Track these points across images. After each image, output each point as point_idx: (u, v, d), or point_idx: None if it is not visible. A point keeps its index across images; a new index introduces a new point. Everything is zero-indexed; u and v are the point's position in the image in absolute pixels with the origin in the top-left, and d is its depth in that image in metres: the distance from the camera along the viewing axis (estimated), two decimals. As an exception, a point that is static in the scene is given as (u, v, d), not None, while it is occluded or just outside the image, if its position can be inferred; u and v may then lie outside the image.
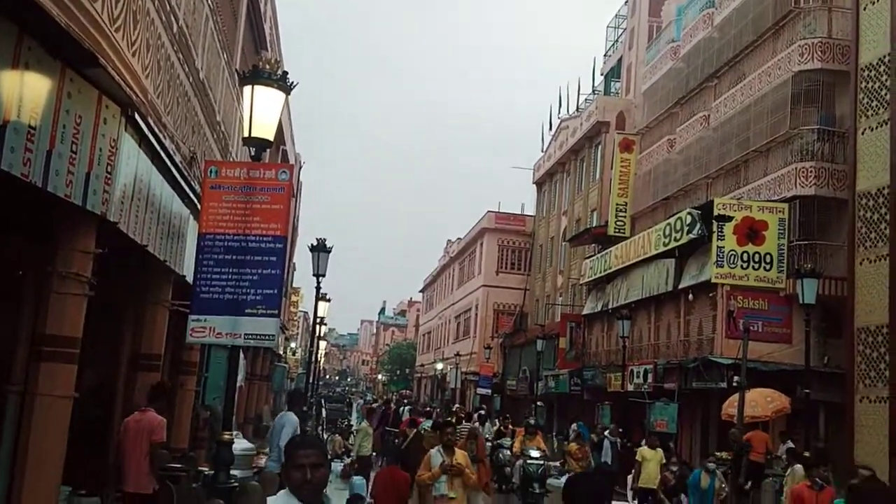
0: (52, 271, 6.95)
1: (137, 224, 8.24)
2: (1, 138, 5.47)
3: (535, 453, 16.33)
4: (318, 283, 19.13)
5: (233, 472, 7.89)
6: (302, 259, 47.33)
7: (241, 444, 9.64)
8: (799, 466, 12.99)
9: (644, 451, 15.50)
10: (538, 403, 34.19)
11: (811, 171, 20.48)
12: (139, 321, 10.24)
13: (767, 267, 20.41)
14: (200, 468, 8.82)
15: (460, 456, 8.79)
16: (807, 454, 15.01)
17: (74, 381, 7.07)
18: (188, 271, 9.63)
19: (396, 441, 20.55)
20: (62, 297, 6.91)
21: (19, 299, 7.51)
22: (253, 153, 8.03)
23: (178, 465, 8.06)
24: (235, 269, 7.56)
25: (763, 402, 17.77)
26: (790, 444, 15.82)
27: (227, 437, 7.49)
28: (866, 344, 17.31)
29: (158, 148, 8.51)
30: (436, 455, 8.68)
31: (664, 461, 15.87)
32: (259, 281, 7.54)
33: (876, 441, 16.44)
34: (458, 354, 50.55)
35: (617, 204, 31.75)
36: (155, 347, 10.01)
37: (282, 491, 3.62)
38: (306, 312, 57.96)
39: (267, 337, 7.58)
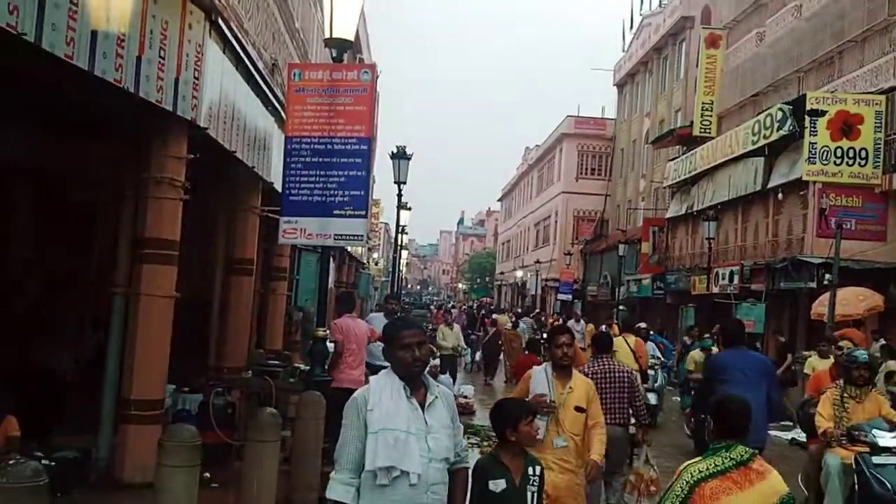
0: (147, 177, 7.19)
1: (226, 130, 8.41)
2: (93, 45, 5.61)
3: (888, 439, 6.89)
4: (400, 190, 19.23)
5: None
6: (380, 172, 47.65)
7: (334, 343, 9.95)
8: (893, 362, 12.73)
9: (814, 360, 12.75)
10: (621, 308, 34.19)
11: (911, 60, 19.32)
12: (231, 228, 10.57)
13: (862, 162, 19.54)
14: (296, 364, 9.17)
15: (580, 387, 5.51)
16: (901, 350, 14.71)
17: (175, 282, 7.39)
18: (275, 178, 9.83)
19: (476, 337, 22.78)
20: (158, 201, 7.17)
21: (119, 205, 7.82)
22: (334, 55, 8.02)
23: (276, 362, 8.40)
24: (322, 171, 7.67)
25: (855, 300, 17.30)
26: (883, 342, 15.41)
27: (320, 333, 7.75)
28: (968, 239, 16.58)
29: (242, 54, 8.61)
30: (539, 375, 5.56)
31: None
32: (346, 182, 7.63)
33: (976, 339, 15.90)
34: (537, 262, 50.60)
35: (703, 103, 30.63)
36: (248, 252, 10.33)
37: (382, 371, 3.73)
38: (387, 224, 58.72)
39: (356, 237, 7.73)
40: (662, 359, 15.32)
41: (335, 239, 7.66)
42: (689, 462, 3.94)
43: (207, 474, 7.43)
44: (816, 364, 12.61)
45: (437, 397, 3.60)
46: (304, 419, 7.03)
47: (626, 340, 11.58)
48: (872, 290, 17.80)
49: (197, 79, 7.28)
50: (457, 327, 18.85)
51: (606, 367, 6.98)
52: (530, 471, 4.08)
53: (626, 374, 7.04)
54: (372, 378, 3.71)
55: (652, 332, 25.58)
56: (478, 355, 22.97)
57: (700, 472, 3.76)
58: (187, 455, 4.83)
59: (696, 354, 14.19)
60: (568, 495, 5.24)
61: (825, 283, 17.74)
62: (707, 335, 17.34)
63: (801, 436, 14.69)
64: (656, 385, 14.36)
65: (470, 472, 3.91)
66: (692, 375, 13.72)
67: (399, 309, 11.34)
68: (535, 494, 4.04)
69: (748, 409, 4.02)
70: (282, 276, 12.70)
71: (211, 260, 11.19)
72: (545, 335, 17.97)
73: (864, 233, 19.68)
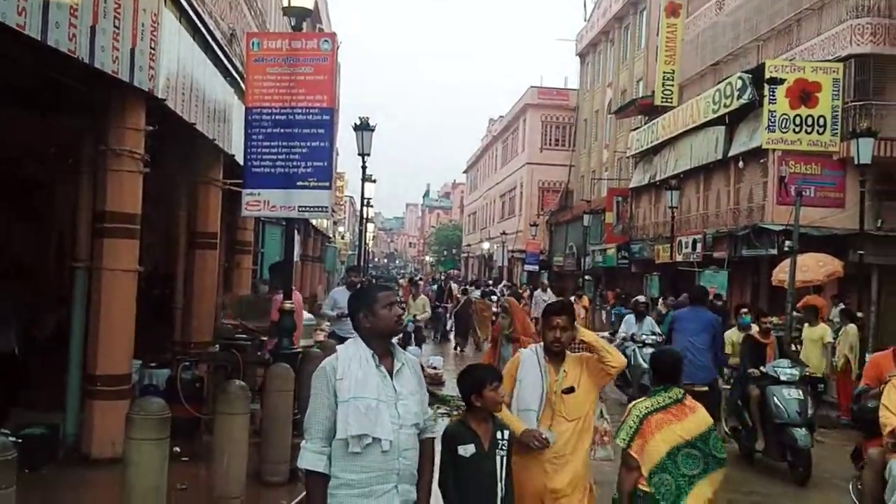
0: (105, 149, 7.07)
1: (184, 102, 8.27)
2: (45, 14, 5.48)
3: None
4: (364, 162, 19.12)
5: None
6: (344, 145, 47.30)
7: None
8: (852, 326, 13.01)
9: (805, 331, 12.49)
10: (586, 277, 34.50)
11: (867, 28, 19.55)
12: (193, 201, 10.45)
13: (821, 130, 19.80)
14: (263, 338, 9.12)
15: (574, 366, 4.59)
16: (860, 314, 15.08)
17: (137, 256, 7.30)
18: (237, 150, 9.72)
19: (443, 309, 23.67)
20: (118, 174, 7.06)
21: (77, 180, 7.68)
22: (293, 24, 7.91)
23: (243, 336, 8.35)
24: (285, 142, 7.60)
25: (815, 266, 17.63)
26: (843, 307, 15.75)
27: (287, 305, 7.71)
28: (923, 204, 16.95)
29: (199, 23, 8.45)
30: (529, 361, 4.63)
31: (832, 341, 12.33)
32: (309, 153, 7.58)
33: (930, 301, 16.33)
34: (503, 233, 50.78)
35: (664, 72, 30.80)
36: (210, 226, 10.22)
37: (348, 340, 3.74)
38: (352, 197, 58.49)
39: (321, 209, 7.68)
40: (663, 335, 13.21)
41: (299, 211, 7.61)
42: (636, 401, 4.73)
43: (177, 448, 7.40)
44: (808, 334, 12.41)
45: (404, 364, 3.63)
46: (273, 391, 7.02)
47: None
48: (832, 256, 18.15)
49: (153, 49, 7.14)
50: (422, 297, 18.95)
51: None
52: (499, 435, 4.13)
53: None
54: (339, 347, 3.72)
55: (617, 304, 26.01)
56: (449, 324, 23.56)
57: (646, 408, 4.55)
58: (156, 428, 4.79)
59: (734, 335, 11.03)
60: (572, 495, 4.46)
61: (786, 249, 18.02)
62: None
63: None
64: None
65: (440, 439, 3.95)
66: (731, 361, 10.67)
67: (364, 281, 11.28)
68: (504, 458, 4.09)
69: (678, 360, 4.82)
70: (246, 250, 12.61)
71: (174, 234, 11.07)
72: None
73: (823, 199, 20.05)
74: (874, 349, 17.02)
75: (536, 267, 43.45)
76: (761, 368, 9.23)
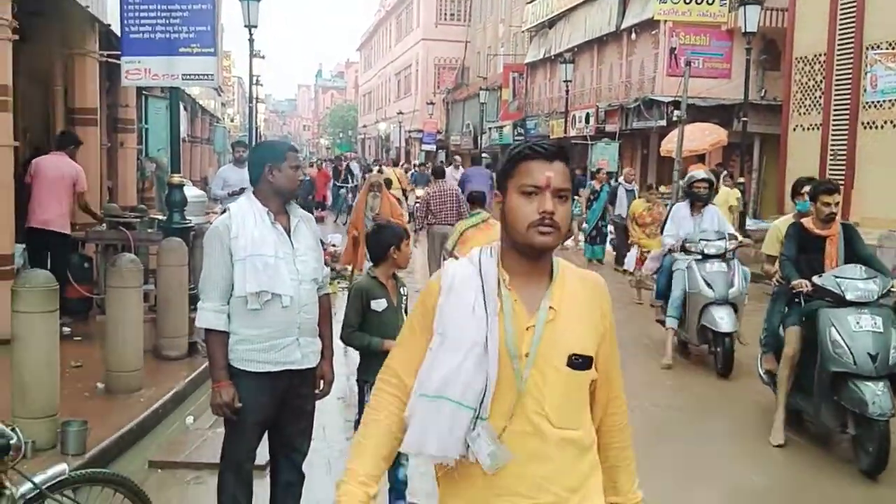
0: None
1: (51, -37, 7.66)
2: None
3: None
4: (251, 34, 18.24)
5: (187, 217, 7.95)
6: (230, 25, 44.99)
7: (192, 191, 9.62)
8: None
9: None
10: (484, 155, 34.64)
11: None
12: (69, 76, 9.87)
13: (710, 1, 20.05)
14: (154, 216, 8.85)
15: (577, 298, 1.92)
16: (741, 180, 15.77)
17: (11, 130, 6.88)
18: (113, 20, 9.11)
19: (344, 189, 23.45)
20: (-17, 41, 6.55)
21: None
22: None
23: (132, 213, 8.08)
24: (164, 5, 7.16)
25: (701, 135, 18.22)
26: (726, 174, 16.42)
27: (176, 179, 7.46)
28: (803, 73, 17.52)
29: None
30: (465, 283, 1.91)
31: (736, 203, 12.29)
32: (190, 17, 7.16)
33: (807, 167, 17.00)
34: (400, 113, 50.15)
35: (559, -58, 30.30)
36: (89, 101, 9.71)
37: (240, 198, 3.67)
38: (240, 78, 56.26)
39: (206, 76, 7.33)
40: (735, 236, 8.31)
41: (183, 79, 7.25)
42: (460, 222, 7.50)
43: (67, 328, 7.22)
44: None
45: (300, 220, 3.61)
46: (167, 266, 6.86)
47: (394, 172, 20.14)
48: (717, 126, 18.78)
49: None
50: None
51: (442, 187, 10.46)
52: (402, 291, 4.36)
53: (455, 191, 10.25)
54: (231, 206, 3.65)
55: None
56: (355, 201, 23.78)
57: (464, 225, 7.18)
58: (43, 300, 4.58)
59: (781, 225, 6.58)
60: None
61: (674, 120, 18.50)
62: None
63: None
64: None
65: (349, 294, 4.30)
66: (772, 271, 6.53)
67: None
68: (405, 311, 4.25)
69: (483, 195, 7.42)
70: (129, 129, 12.04)
71: (51, 112, 10.46)
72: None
73: (710, 70, 20.47)
74: (753, 213, 18.00)
75: (434, 147, 43.32)
76: (815, 280, 5.57)
